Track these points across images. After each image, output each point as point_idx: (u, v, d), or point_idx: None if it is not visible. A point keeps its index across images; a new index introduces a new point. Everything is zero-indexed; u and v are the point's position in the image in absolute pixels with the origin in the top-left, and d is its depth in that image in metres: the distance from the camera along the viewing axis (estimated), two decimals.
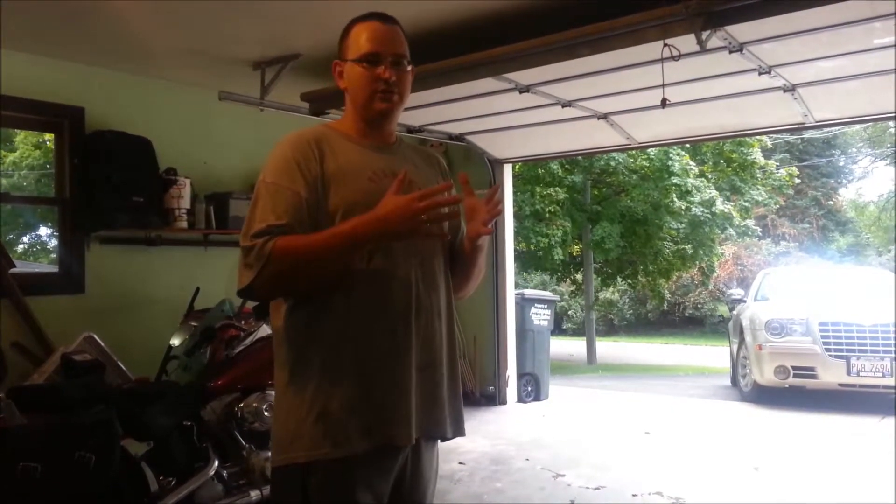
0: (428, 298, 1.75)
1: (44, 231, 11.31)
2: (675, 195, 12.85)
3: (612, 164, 12.91)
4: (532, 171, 12.79)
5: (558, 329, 17.41)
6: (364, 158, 1.76)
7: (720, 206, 13.28)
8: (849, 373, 6.89)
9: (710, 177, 13.80)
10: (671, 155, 12.52)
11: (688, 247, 13.91)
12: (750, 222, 14.69)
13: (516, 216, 11.91)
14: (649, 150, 12.09)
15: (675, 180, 12.64)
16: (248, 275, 1.60)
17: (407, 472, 1.76)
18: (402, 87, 1.79)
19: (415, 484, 1.79)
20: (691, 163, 13.10)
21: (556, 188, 13.00)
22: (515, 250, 8.94)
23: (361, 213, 1.61)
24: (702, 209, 13.03)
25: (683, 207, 12.88)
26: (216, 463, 3.46)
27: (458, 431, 1.84)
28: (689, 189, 12.90)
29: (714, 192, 13.39)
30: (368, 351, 1.67)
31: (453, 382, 1.83)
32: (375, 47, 1.75)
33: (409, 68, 1.81)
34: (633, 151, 11.98)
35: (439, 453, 1.91)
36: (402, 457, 1.73)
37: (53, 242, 8.24)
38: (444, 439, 1.82)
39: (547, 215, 12.85)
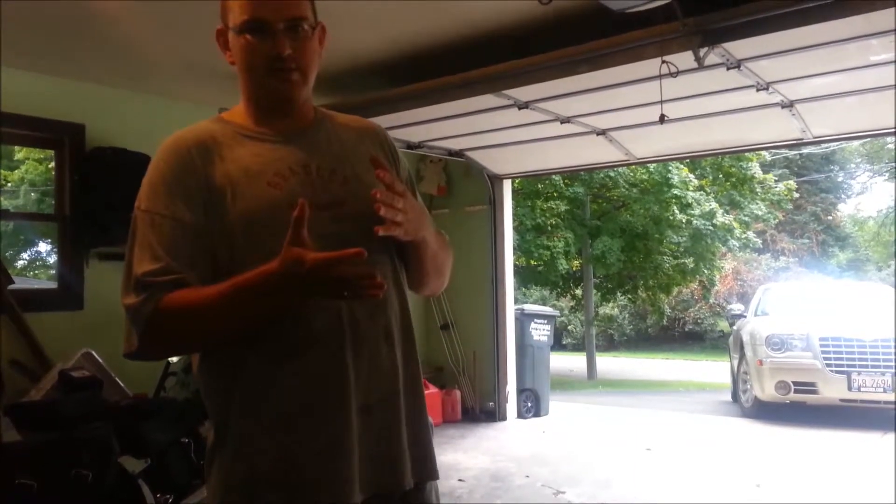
0: (369, 322, 1.36)
1: (43, 247, 11.33)
2: (675, 208, 12.87)
3: (612, 175, 12.91)
4: (532, 187, 12.82)
5: (558, 344, 17.35)
6: (263, 155, 1.36)
7: (721, 217, 13.31)
8: (850, 388, 6.86)
9: (709, 190, 13.83)
10: (670, 167, 12.54)
11: (688, 260, 13.91)
12: (751, 234, 14.69)
13: (517, 230, 11.92)
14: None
15: (675, 192, 12.66)
16: (131, 341, 1.29)
17: None
18: (305, 59, 1.36)
19: None
20: (691, 175, 13.13)
21: (557, 201, 13.02)
22: (515, 265, 8.93)
23: (264, 232, 1.27)
24: (703, 221, 13.05)
25: (684, 220, 12.90)
26: None
27: (429, 474, 1.45)
28: (690, 202, 12.93)
29: (714, 205, 13.42)
30: (290, 404, 1.30)
31: (418, 415, 1.44)
32: (259, 11, 1.32)
33: (314, 32, 1.38)
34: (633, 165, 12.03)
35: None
36: None
37: (53, 258, 8.24)
38: (404, 488, 1.39)
39: (549, 227, 12.85)
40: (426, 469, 1.44)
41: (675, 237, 13.38)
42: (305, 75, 1.38)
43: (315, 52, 1.39)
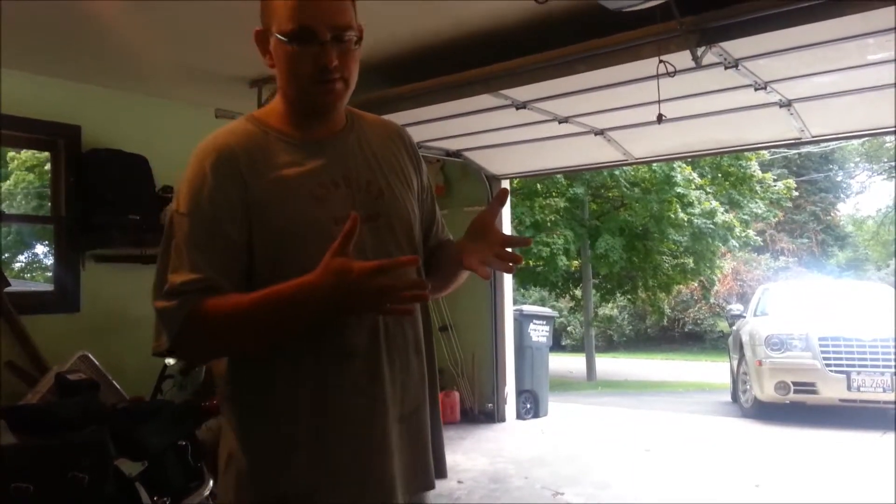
0: (401, 332, 1.39)
1: (40, 249, 11.32)
2: (677, 206, 12.85)
3: (615, 173, 12.85)
4: (531, 186, 12.81)
5: (557, 345, 17.33)
6: (305, 164, 1.35)
7: (721, 216, 13.30)
8: (849, 388, 6.86)
9: (708, 190, 13.84)
10: (673, 165, 12.53)
11: (688, 260, 13.91)
12: (751, 232, 14.69)
13: (516, 229, 11.91)
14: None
15: (679, 190, 12.65)
16: (160, 341, 1.29)
17: None
18: (348, 69, 1.34)
19: None
20: (693, 174, 13.12)
21: (556, 198, 13.00)
22: None
23: (306, 247, 1.27)
24: (703, 220, 13.04)
25: (686, 219, 12.89)
26: (211, 483, 3.42)
27: (442, 472, 1.51)
28: (692, 200, 12.93)
29: (715, 203, 13.42)
30: (328, 416, 1.31)
31: (436, 419, 1.49)
32: (308, 20, 1.28)
33: (357, 43, 1.35)
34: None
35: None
36: None
37: (49, 261, 8.24)
38: (430, 489, 1.47)
39: (548, 224, 12.82)
40: (440, 469, 1.50)
41: (675, 236, 13.36)
42: (348, 84, 1.37)
43: (358, 61, 1.38)
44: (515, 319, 7.32)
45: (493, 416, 7.05)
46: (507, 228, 7.25)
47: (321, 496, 1.30)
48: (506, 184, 7.22)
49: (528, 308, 7.98)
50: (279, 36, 1.31)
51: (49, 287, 5.25)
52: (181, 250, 1.28)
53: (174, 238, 1.30)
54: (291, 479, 1.30)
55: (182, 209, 1.30)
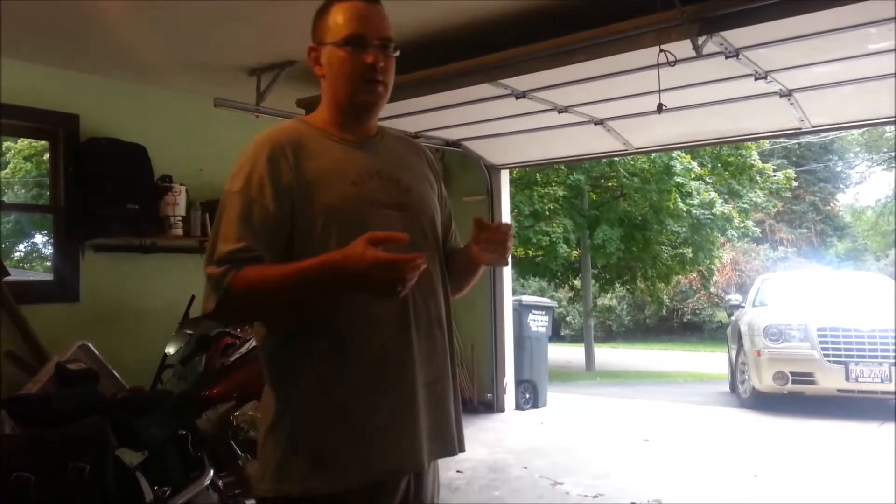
0: (426, 307, 1.60)
1: (39, 239, 11.30)
2: (676, 195, 12.83)
3: (614, 162, 12.81)
4: (531, 176, 12.78)
5: (556, 336, 17.37)
6: (346, 158, 1.59)
7: (720, 207, 13.29)
8: (847, 378, 6.87)
9: (708, 180, 13.82)
10: (672, 155, 12.49)
11: (688, 250, 13.90)
12: (750, 222, 14.68)
13: (515, 219, 11.89)
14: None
15: (678, 179, 12.62)
16: (209, 303, 1.47)
17: (410, 492, 1.63)
18: (389, 75, 1.61)
19: (418, 500, 1.66)
20: (693, 163, 13.09)
21: (555, 187, 12.98)
22: (513, 256, 8.92)
23: (343, 222, 1.49)
24: (702, 210, 13.03)
25: (685, 209, 12.88)
26: (211, 472, 3.43)
27: (461, 447, 1.70)
28: (691, 191, 12.91)
29: (714, 194, 13.41)
30: (364, 373, 1.51)
31: (456, 394, 1.69)
32: (360, 28, 1.55)
33: (396, 53, 1.62)
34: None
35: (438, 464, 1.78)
36: (405, 482, 1.61)
37: (48, 250, 8.23)
38: (452, 455, 1.68)
39: (547, 213, 12.80)
40: (462, 439, 1.70)
41: (675, 226, 13.34)
42: (387, 89, 1.62)
43: (394, 72, 1.62)
44: (514, 310, 7.33)
45: (492, 406, 7.06)
46: (506, 217, 7.25)
47: (362, 450, 1.50)
48: (505, 173, 7.21)
49: (528, 298, 7.99)
50: (335, 43, 1.56)
51: (48, 277, 5.25)
52: (231, 223, 1.48)
53: (224, 213, 1.50)
54: (336, 435, 1.49)
55: (234, 188, 1.51)
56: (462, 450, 1.70)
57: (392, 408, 1.52)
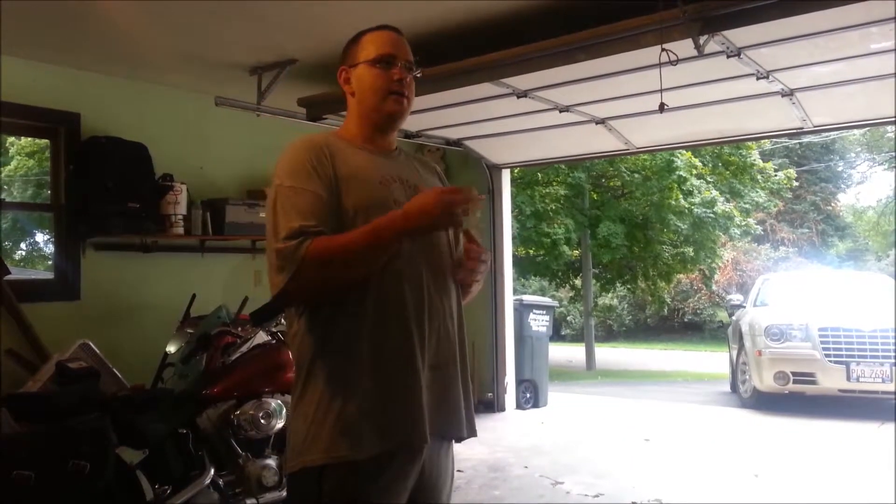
0: (439, 300, 1.79)
1: (40, 237, 11.29)
2: (678, 192, 12.80)
3: (615, 161, 12.80)
4: (532, 175, 12.77)
5: (557, 335, 17.36)
6: (372, 163, 1.80)
7: (721, 206, 13.27)
8: (848, 378, 6.87)
9: (709, 179, 13.80)
10: (674, 152, 12.47)
11: (689, 250, 13.87)
12: (751, 221, 14.66)
13: (516, 218, 11.88)
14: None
15: (680, 174, 12.58)
16: (281, 278, 1.61)
17: (425, 475, 1.76)
18: (412, 92, 1.87)
19: (432, 486, 1.80)
20: (694, 159, 13.06)
21: (556, 186, 12.96)
22: (514, 256, 8.91)
23: (376, 216, 1.65)
24: (703, 209, 13.01)
25: (686, 208, 12.86)
26: (212, 471, 3.43)
27: (472, 432, 1.85)
28: (692, 189, 12.90)
29: (715, 193, 13.39)
30: (383, 352, 1.69)
31: (465, 383, 1.87)
32: (391, 49, 1.84)
33: (419, 75, 1.90)
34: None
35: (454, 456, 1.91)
36: (420, 460, 1.74)
37: (49, 249, 8.23)
38: (459, 440, 1.84)
39: (549, 213, 12.79)
40: (472, 427, 1.85)
41: (676, 222, 13.29)
42: (410, 103, 1.87)
43: (415, 92, 1.90)
44: (515, 309, 7.33)
45: (492, 405, 7.06)
46: (507, 217, 7.25)
47: (375, 421, 1.66)
48: (506, 173, 7.20)
49: (528, 298, 7.99)
50: (368, 62, 1.82)
51: (49, 275, 5.24)
52: (291, 208, 1.64)
53: (280, 203, 1.66)
54: (352, 408, 1.65)
55: (286, 183, 1.68)
56: (473, 434, 1.85)
57: (403, 385, 1.69)
